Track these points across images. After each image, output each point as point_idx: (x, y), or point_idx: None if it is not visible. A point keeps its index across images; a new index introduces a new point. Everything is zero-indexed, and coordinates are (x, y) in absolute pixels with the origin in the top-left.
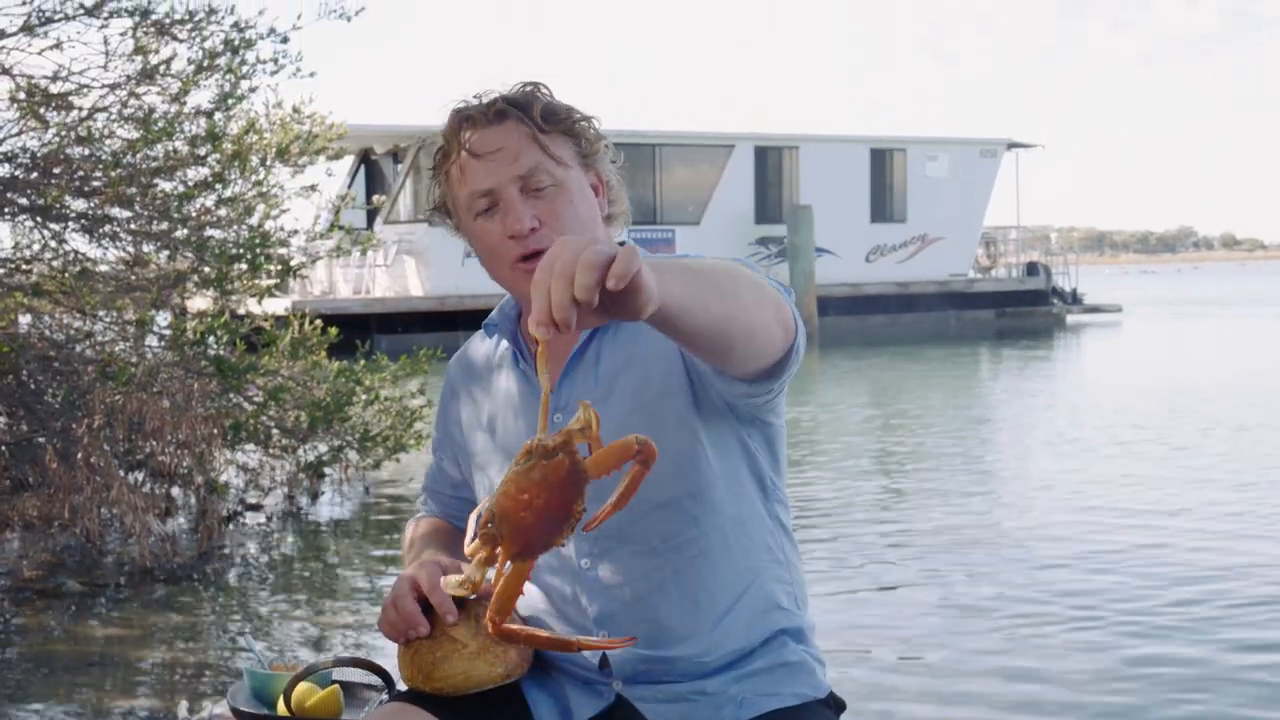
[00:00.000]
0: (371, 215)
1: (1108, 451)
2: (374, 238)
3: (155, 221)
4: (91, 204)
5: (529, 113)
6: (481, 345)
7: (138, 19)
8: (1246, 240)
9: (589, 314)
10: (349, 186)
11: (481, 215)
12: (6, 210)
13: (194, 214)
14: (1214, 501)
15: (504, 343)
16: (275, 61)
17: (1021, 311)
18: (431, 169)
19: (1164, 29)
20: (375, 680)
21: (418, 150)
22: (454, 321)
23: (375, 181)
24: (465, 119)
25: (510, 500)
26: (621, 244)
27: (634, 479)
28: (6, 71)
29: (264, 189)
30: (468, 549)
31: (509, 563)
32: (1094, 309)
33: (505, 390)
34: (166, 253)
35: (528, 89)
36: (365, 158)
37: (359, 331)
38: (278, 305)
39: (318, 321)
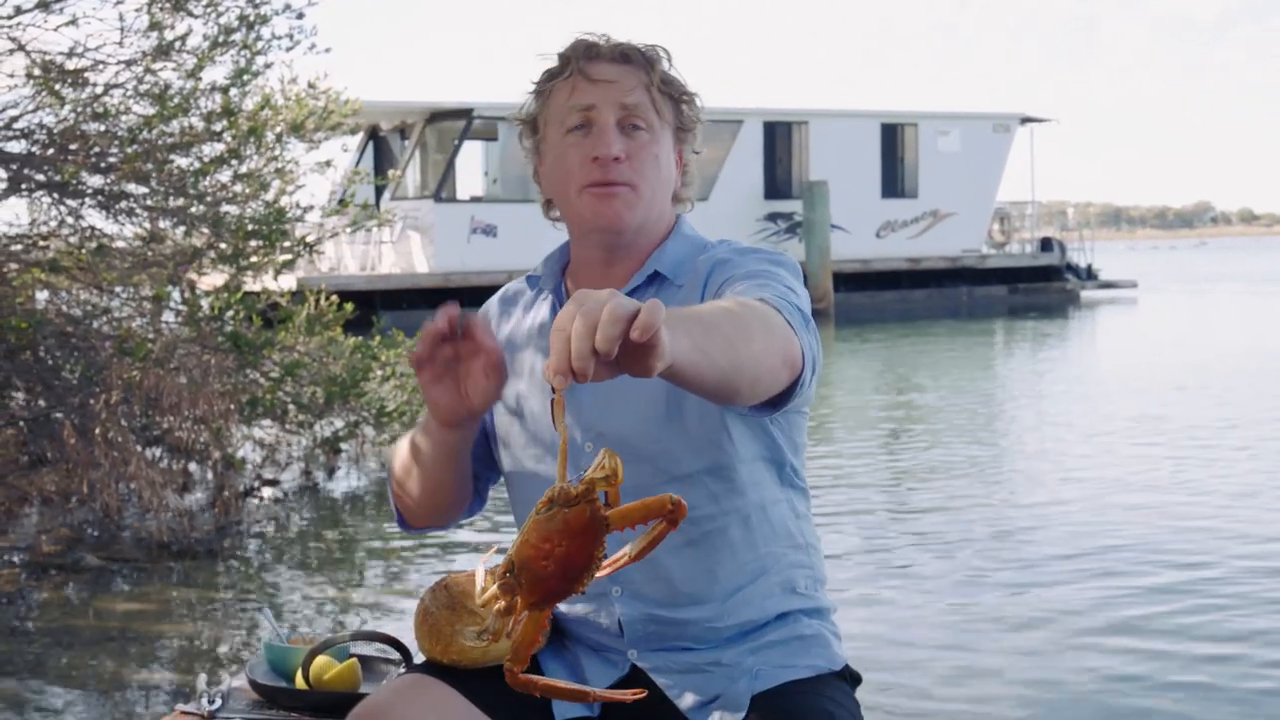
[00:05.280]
0: (380, 191)
1: (1123, 431)
2: (390, 214)
3: (171, 197)
4: (108, 180)
5: (651, 65)
6: (522, 293)
7: None
8: (1265, 215)
9: (601, 366)
10: (357, 163)
11: (573, 131)
12: (23, 186)
13: (210, 190)
14: (1233, 481)
15: (544, 295)
16: (290, 37)
17: (1035, 288)
18: (534, 83)
19: (1187, 6)
20: (393, 653)
21: (424, 126)
22: (458, 298)
23: (383, 157)
24: (590, 46)
25: (531, 549)
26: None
27: (658, 535)
28: (23, 48)
29: (279, 164)
30: (482, 600)
31: (526, 611)
32: (1109, 285)
33: (539, 343)
34: (183, 228)
35: (654, 47)
36: (373, 134)
37: (364, 308)
38: (285, 282)
39: (334, 297)
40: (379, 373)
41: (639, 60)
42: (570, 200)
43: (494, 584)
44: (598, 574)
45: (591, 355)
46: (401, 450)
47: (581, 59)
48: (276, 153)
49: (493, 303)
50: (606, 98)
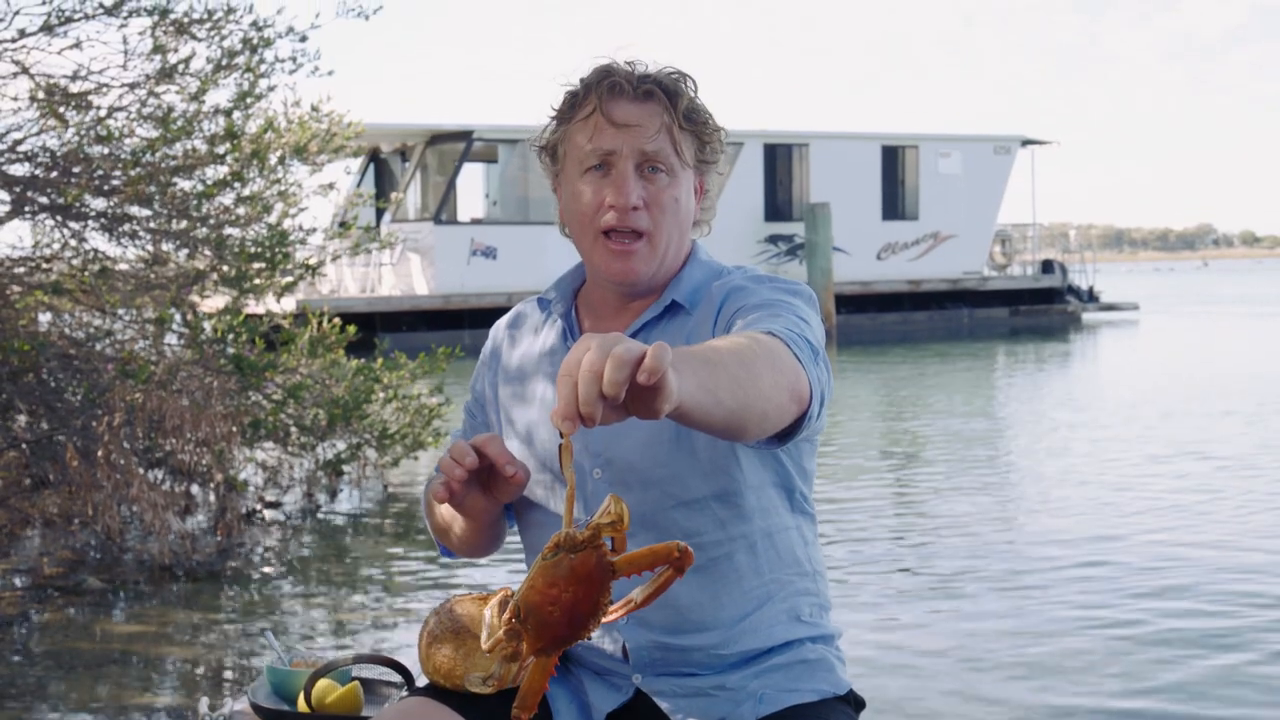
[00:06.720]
0: (380, 213)
1: (1125, 453)
2: (391, 236)
3: (174, 220)
4: (111, 203)
5: (675, 103)
6: (531, 315)
7: (157, 18)
8: (1267, 238)
9: (609, 410)
10: (358, 185)
11: (590, 172)
12: (27, 209)
13: (212, 212)
14: (1237, 503)
15: (554, 318)
16: (294, 60)
17: (1036, 310)
18: (555, 110)
19: (1190, 25)
20: (395, 677)
21: (424, 148)
22: (459, 320)
23: (384, 180)
24: (614, 84)
25: (538, 594)
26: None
27: (664, 582)
28: (27, 71)
29: (282, 187)
30: (487, 645)
31: (532, 657)
32: (1110, 307)
33: (548, 369)
34: (185, 251)
35: (677, 77)
36: (374, 156)
37: (364, 330)
38: (286, 304)
39: (336, 320)
40: (381, 395)
41: (663, 98)
42: (586, 242)
43: (500, 629)
44: (604, 620)
45: (599, 400)
46: (434, 510)
47: (605, 97)
48: (279, 175)
49: (500, 330)
50: (627, 143)
